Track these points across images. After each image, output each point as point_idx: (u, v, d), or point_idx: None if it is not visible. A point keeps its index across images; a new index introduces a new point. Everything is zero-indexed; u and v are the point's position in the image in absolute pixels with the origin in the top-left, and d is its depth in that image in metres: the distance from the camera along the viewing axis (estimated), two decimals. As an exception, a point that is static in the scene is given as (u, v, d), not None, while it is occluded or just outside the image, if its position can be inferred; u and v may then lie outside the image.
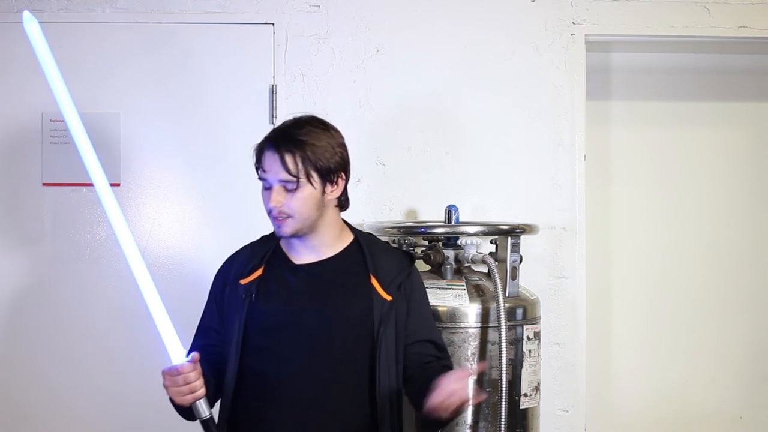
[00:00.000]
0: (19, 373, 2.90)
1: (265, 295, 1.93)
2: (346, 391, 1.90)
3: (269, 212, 1.89)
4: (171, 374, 1.76)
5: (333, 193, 1.92)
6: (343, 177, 1.94)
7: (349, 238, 1.99)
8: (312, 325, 1.89)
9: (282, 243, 2.00)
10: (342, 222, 2.01)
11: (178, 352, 1.77)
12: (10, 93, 2.92)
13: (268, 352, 1.90)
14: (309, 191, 1.87)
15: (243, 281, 1.95)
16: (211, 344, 1.97)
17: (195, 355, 1.78)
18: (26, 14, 1.80)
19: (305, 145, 1.86)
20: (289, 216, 1.87)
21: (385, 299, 1.91)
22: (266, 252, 1.98)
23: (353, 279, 1.93)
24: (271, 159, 1.87)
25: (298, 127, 1.90)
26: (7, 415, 2.89)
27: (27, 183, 2.91)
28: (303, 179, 1.85)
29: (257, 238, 2.07)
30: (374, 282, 1.92)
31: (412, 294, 1.97)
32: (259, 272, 1.95)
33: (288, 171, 1.85)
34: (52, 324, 2.90)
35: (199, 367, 1.78)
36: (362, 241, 1.99)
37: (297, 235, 1.90)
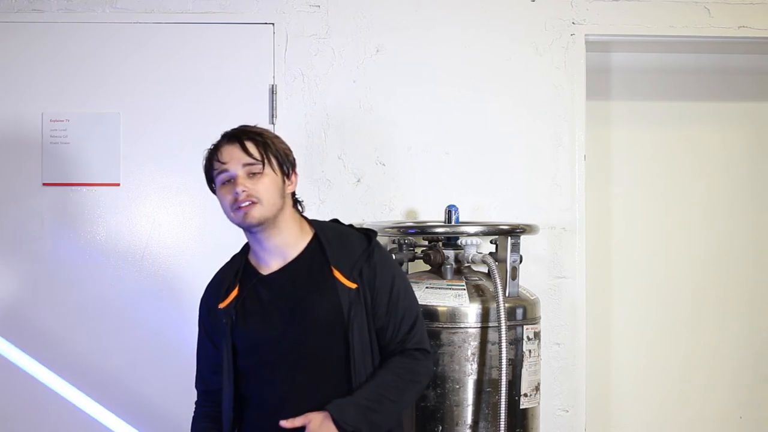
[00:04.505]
0: (18, 373, 2.90)
1: (243, 316, 1.93)
2: (330, 391, 1.88)
3: (234, 201, 1.86)
4: None
5: (290, 187, 1.95)
6: (296, 174, 1.98)
7: (309, 234, 1.98)
8: (289, 336, 1.89)
9: (250, 256, 2.00)
10: (301, 218, 2.01)
11: None
12: (10, 93, 2.92)
13: (257, 370, 1.92)
14: (272, 178, 1.90)
15: (221, 305, 1.96)
16: (213, 389, 2.01)
17: None
18: None
19: (263, 136, 1.92)
20: (256, 201, 1.86)
21: (350, 288, 1.90)
22: (238, 270, 1.99)
23: (317, 277, 1.92)
24: (230, 150, 1.89)
25: (248, 126, 1.96)
26: (6, 414, 2.89)
27: (27, 183, 2.92)
28: (266, 163, 1.88)
29: (239, 250, 2.07)
30: (337, 274, 1.91)
31: (374, 278, 1.94)
32: (234, 293, 1.96)
33: (251, 155, 1.88)
34: (52, 324, 2.90)
35: None
36: (321, 235, 1.97)
37: (262, 224, 1.88)
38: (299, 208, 2.01)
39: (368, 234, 2.01)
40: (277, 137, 1.96)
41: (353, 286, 1.91)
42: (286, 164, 1.93)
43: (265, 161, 1.88)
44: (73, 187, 2.93)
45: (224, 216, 2.91)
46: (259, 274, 1.96)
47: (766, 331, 3.51)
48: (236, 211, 1.87)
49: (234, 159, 1.88)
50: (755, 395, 3.50)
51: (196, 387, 2.08)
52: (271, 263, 1.96)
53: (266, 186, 1.88)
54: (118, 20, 2.94)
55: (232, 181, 1.88)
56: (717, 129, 3.50)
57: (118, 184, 2.93)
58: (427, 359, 1.99)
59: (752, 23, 3.10)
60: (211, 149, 1.95)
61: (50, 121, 2.92)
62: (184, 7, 2.96)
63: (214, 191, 1.96)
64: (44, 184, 2.92)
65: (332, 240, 1.97)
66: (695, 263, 3.48)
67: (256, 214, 1.87)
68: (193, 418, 2.06)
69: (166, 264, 2.95)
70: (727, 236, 3.49)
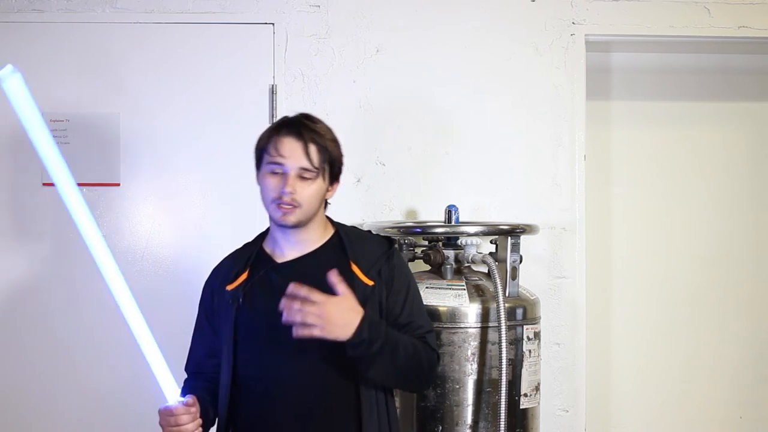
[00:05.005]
0: (18, 372, 2.90)
1: (251, 299, 1.92)
2: (336, 384, 1.88)
3: (278, 198, 1.86)
4: (165, 414, 1.80)
5: (330, 193, 1.96)
6: (339, 182, 1.98)
7: (330, 232, 2.00)
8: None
9: (266, 243, 2.00)
10: (326, 218, 2.02)
11: (172, 391, 1.78)
12: (10, 93, 2.92)
13: (258, 356, 1.91)
14: (320, 185, 1.89)
15: (229, 287, 1.95)
16: (204, 372, 1.99)
17: (189, 399, 1.80)
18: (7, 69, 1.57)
19: (325, 140, 1.90)
20: (298, 205, 1.87)
21: (366, 284, 1.91)
22: (250, 256, 1.98)
23: (335, 269, 1.91)
24: (293, 145, 1.87)
25: (312, 120, 1.93)
26: (6, 413, 2.89)
27: (27, 183, 2.92)
28: (320, 171, 1.88)
29: (251, 239, 2.07)
30: (355, 269, 1.92)
31: (392, 279, 1.95)
32: (244, 276, 1.95)
33: (310, 160, 1.86)
34: (51, 324, 2.90)
35: (193, 409, 1.80)
36: (342, 233, 1.99)
37: (297, 226, 1.90)
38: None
39: (389, 238, 2.05)
40: (334, 140, 1.93)
41: (370, 283, 1.91)
42: (336, 173, 1.94)
43: (319, 169, 1.88)
44: (73, 187, 2.92)
45: (224, 216, 2.94)
46: (274, 261, 1.96)
47: (766, 331, 3.51)
48: (276, 208, 1.88)
49: (293, 157, 1.86)
50: (755, 395, 3.50)
51: (186, 369, 2.05)
52: (287, 253, 1.96)
53: (312, 193, 1.88)
54: (118, 20, 2.94)
55: (282, 174, 1.87)
56: (717, 129, 3.50)
57: (118, 184, 2.93)
58: (438, 362, 2.00)
59: (752, 23, 3.10)
60: (272, 130, 1.92)
61: (50, 121, 2.92)
62: (184, 7, 2.96)
63: (257, 166, 1.95)
64: (44, 184, 2.92)
65: (353, 238, 1.99)
66: (695, 263, 3.48)
67: (294, 218, 1.88)
68: (183, 388, 1.99)
69: (166, 264, 2.95)
70: (727, 236, 3.49)
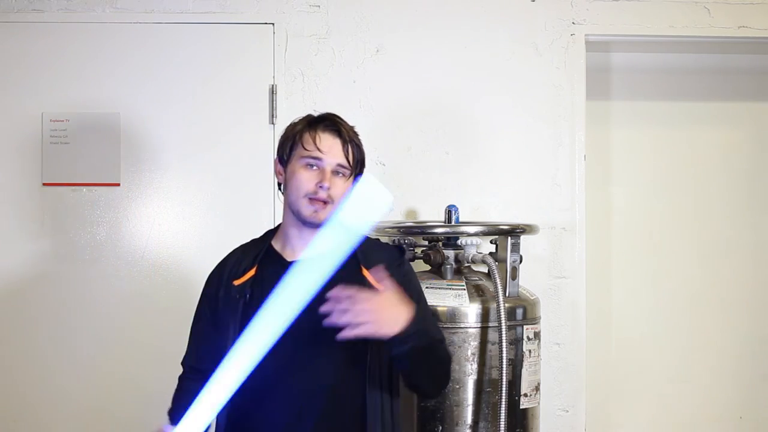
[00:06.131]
0: (19, 372, 2.90)
1: (259, 297, 1.90)
2: (341, 385, 1.87)
3: (313, 192, 1.85)
4: None
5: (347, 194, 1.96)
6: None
7: None
8: (308, 323, 1.86)
9: (275, 241, 1.99)
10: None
11: None
12: (10, 93, 2.92)
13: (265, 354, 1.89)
14: (348, 185, 1.91)
15: (236, 282, 1.93)
16: (202, 369, 1.96)
17: None
18: None
19: (357, 143, 1.94)
20: (331, 202, 1.87)
21: (377, 290, 1.88)
22: (258, 252, 1.97)
23: (346, 272, 1.90)
24: (332, 141, 1.88)
25: (342, 119, 1.95)
26: (7, 414, 2.89)
27: (27, 183, 2.92)
28: (352, 170, 1.90)
29: (257, 236, 2.05)
30: (366, 274, 1.91)
31: (403, 286, 1.91)
32: (251, 273, 1.93)
33: (347, 158, 1.89)
34: (52, 324, 2.90)
35: None
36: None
37: (322, 224, 1.89)
38: None
39: (401, 247, 2.06)
40: (361, 145, 1.96)
41: (381, 288, 1.89)
42: (359, 176, 1.96)
43: (352, 170, 1.90)
44: (73, 187, 2.93)
45: (224, 216, 2.93)
46: (283, 259, 1.95)
47: (766, 331, 3.51)
48: (308, 204, 1.86)
49: (332, 153, 1.87)
50: (755, 395, 3.50)
51: (184, 363, 2.02)
52: (298, 251, 1.94)
53: (342, 191, 1.88)
54: (118, 20, 2.94)
55: (318, 169, 1.87)
56: (717, 129, 3.50)
57: (118, 184, 2.93)
58: (450, 362, 1.98)
59: (752, 23, 3.10)
60: (307, 124, 1.92)
61: (50, 121, 2.92)
62: (184, 7, 2.96)
63: (281, 158, 1.93)
64: (44, 184, 2.92)
65: (363, 243, 1.97)
66: (695, 263, 3.48)
67: (323, 215, 1.87)
68: (179, 389, 1.99)
69: (166, 264, 2.94)
70: (727, 236, 3.49)
